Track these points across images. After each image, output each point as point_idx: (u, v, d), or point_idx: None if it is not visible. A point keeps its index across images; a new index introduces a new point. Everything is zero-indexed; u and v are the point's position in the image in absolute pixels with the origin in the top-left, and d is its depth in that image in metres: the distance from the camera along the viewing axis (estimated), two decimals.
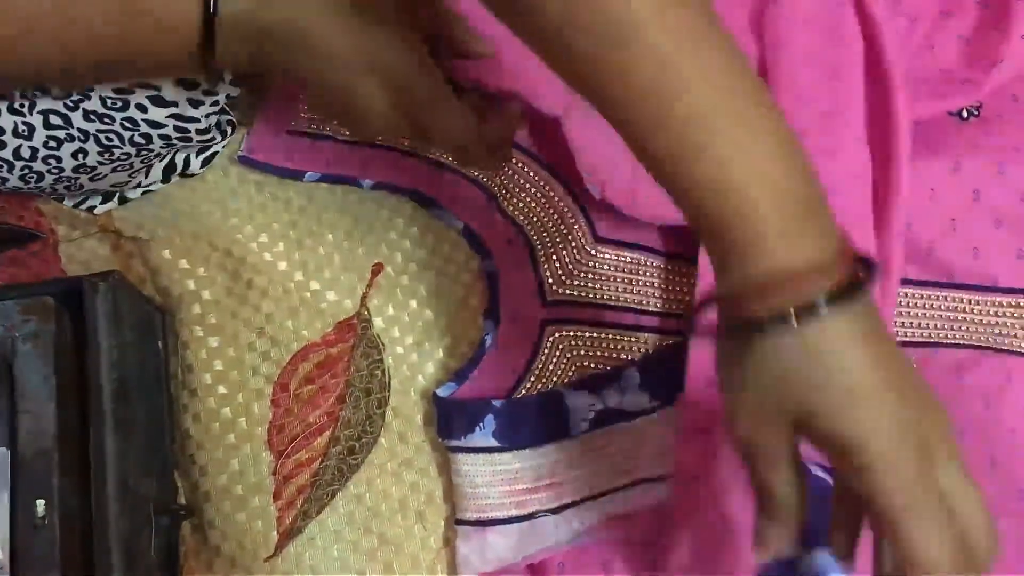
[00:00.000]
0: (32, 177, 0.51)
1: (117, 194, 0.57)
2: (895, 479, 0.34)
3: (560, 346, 0.55)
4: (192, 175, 0.58)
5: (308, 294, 0.57)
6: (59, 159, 0.50)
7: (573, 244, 0.57)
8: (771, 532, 0.37)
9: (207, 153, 0.58)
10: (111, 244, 0.57)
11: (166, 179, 0.58)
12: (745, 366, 0.36)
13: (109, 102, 0.48)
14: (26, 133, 0.48)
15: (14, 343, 0.49)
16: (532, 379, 0.54)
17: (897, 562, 0.35)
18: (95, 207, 0.57)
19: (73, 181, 0.52)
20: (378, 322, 0.57)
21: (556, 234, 0.58)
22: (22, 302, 0.50)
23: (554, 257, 0.57)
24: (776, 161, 0.35)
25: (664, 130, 0.35)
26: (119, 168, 0.52)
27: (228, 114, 0.56)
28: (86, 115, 0.48)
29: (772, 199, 0.34)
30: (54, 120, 0.48)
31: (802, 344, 0.34)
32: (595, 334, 0.56)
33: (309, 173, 0.60)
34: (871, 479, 0.34)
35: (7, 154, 0.49)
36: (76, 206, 0.57)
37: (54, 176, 0.51)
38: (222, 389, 0.55)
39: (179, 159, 0.57)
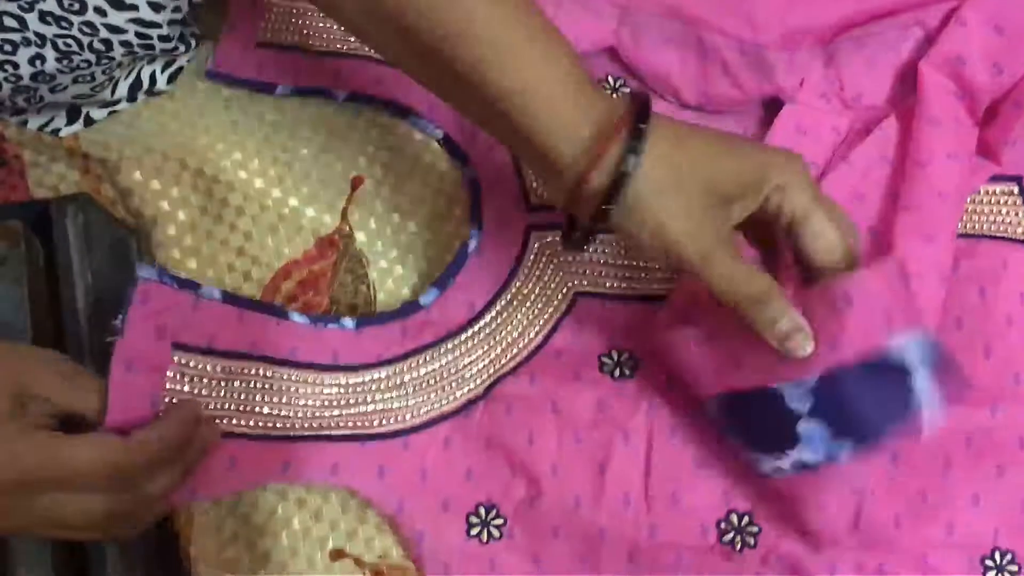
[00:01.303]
0: None
1: (83, 114, 0.55)
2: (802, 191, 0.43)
3: (547, 252, 0.54)
4: (159, 92, 0.56)
5: (287, 210, 0.55)
6: (15, 65, 0.48)
7: None
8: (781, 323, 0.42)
9: (173, 68, 0.56)
10: (80, 168, 0.55)
11: (132, 97, 0.56)
12: (645, 208, 0.42)
13: (66, 3, 0.45)
14: None
15: None
16: (518, 285, 0.53)
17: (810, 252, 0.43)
18: (60, 129, 0.55)
19: (32, 92, 0.50)
20: (360, 236, 0.55)
21: None
22: None
23: None
24: (552, 61, 0.43)
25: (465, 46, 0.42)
26: (80, 79, 0.50)
27: (191, 25, 0.54)
28: (42, 17, 0.46)
29: (561, 86, 0.42)
30: (8, 22, 0.46)
31: (657, 157, 0.41)
32: None
33: (280, 86, 0.57)
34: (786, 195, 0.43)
35: None
36: (41, 128, 0.55)
37: (11, 85, 0.49)
38: None
39: (145, 75, 0.55)
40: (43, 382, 0.41)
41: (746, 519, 0.48)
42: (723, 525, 0.48)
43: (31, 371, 0.41)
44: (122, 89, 0.55)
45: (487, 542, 0.49)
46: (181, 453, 0.43)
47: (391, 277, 0.55)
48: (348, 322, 0.51)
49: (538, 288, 0.53)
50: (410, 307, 0.52)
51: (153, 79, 0.56)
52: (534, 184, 0.55)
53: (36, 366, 0.42)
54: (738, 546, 0.48)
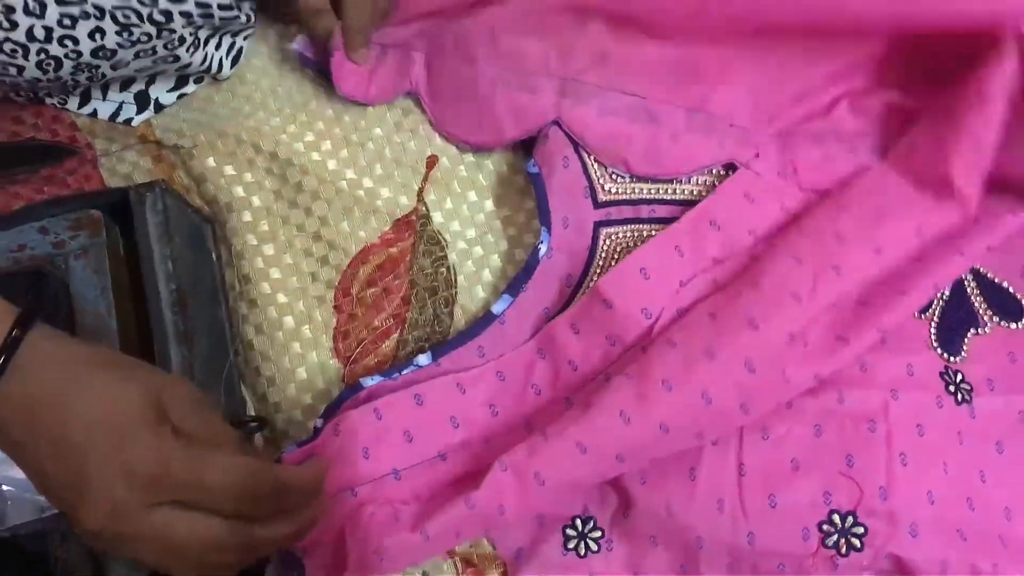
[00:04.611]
0: (50, 64, 0.48)
1: (152, 101, 0.54)
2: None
3: (618, 248, 0.52)
4: (224, 78, 0.55)
5: (361, 192, 0.54)
6: (76, 40, 0.47)
7: None
8: None
9: (234, 51, 0.55)
10: (152, 155, 0.55)
11: (199, 78, 0.55)
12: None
13: None
14: (38, 11, 0.45)
15: (66, 260, 0.47)
16: (591, 285, 0.51)
17: None
18: (132, 118, 0.54)
19: (94, 70, 0.49)
20: (437, 217, 0.54)
21: None
22: (69, 217, 0.47)
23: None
24: None
25: None
26: (141, 53, 0.49)
27: (249, 0, 0.53)
28: None
29: None
30: None
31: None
32: (654, 232, 0.52)
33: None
34: None
35: (20, 36, 0.46)
36: (111, 118, 0.54)
37: (72, 62, 0.48)
38: (282, 298, 0.53)
39: (214, 61, 0.54)
40: (177, 408, 0.40)
41: (850, 519, 0.46)
42: (825, 527, 0.46)
43: (169, 395, 0.40)
44: (195, 59, 0.54)
45: (585, 555, 0.47)
46: (303, 503, 0.43)
47: (471, 258, 0.54)
48: (424, 359, 0.50)
49: None
50: (484, 321, 0.51)
51: (220, 66, 0.55)
52: (600, 180, 0.53)
53: (174, 391, 0.41)
54: (843, 549, 0.45)
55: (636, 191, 0.53)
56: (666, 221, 0.52)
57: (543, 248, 0.51)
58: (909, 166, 0.51)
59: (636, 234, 0.52)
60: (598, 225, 0.53)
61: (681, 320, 0.48)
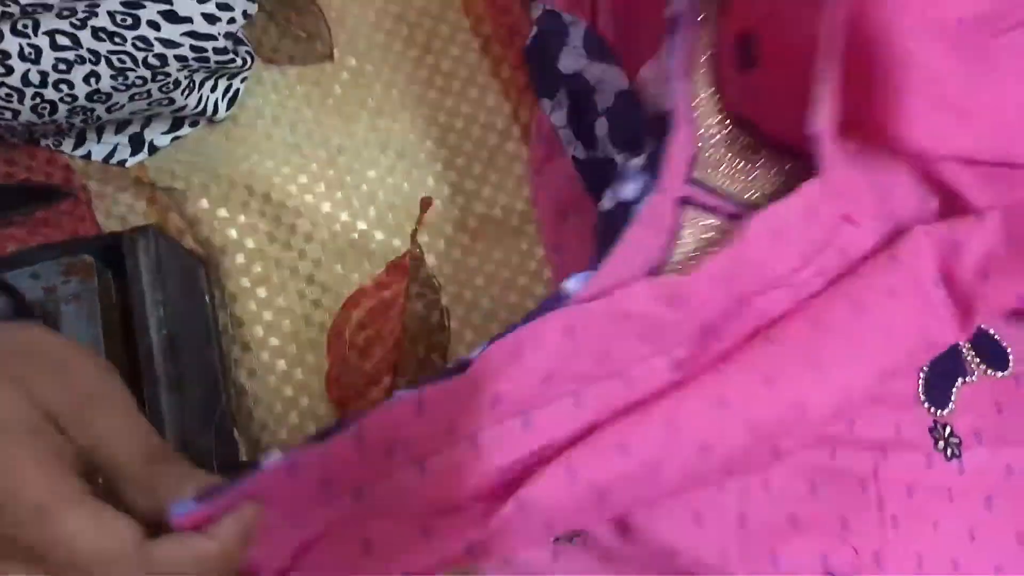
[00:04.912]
0: (45, 108, 0.48)
1: (146, 143, 0.55)
2: None
3: (698, 235, 0.46)
4: (220, 120, 0.55)
5: (355, 235, 0.54)
6: (71, 84, 0.47)
7: None
8: None
9: (230, 93, 0.55)
10: (146, 198, 0.55)
11: (194, 121, 0.55)
12: None
13: (119, 18, 0.45)
14: (33, 56, 0.45)
15: (57, 305, 0.47)
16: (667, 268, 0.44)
17: None
18: (126, 160, 0.55)
19: (89, 112, 0.49)
20: (431, 260, 0.54)
21: None
22: (61, 262, 0.48)
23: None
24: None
25: None
26: (136, 96, 0.49)
27: (246, 44, 0.53)
28: (95, 34, 0.46)
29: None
30: (61, 40, 0.45)
31: None
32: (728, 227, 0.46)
33: None
34: None
35: (15, 81, 0.46)
36: (106, 160, 0.54)
37: (67, 106, 0.48)
38: (274, 341, 0.53)
39: (209, 103, 0.54)
40: (99, 426, 0.34)
41: None
42: None
43: (94, 407, 0.34)
44: (190, 102, 0.54)
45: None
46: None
47: (464, 302, 0.54)
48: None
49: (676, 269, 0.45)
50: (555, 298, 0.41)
51: (215, 108, 0.55)
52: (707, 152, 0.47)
53: (102, 404, 0.34)
54: None
55: (724, 184, 0.48)
56: (734, 218, 0.46)
57: (640, 206, 0.43)
58: (966, 287, 0.48)
59: (715, 223, 0.46)
60: (682, 201, 0.46)
61: (773, 329, 0.43)
